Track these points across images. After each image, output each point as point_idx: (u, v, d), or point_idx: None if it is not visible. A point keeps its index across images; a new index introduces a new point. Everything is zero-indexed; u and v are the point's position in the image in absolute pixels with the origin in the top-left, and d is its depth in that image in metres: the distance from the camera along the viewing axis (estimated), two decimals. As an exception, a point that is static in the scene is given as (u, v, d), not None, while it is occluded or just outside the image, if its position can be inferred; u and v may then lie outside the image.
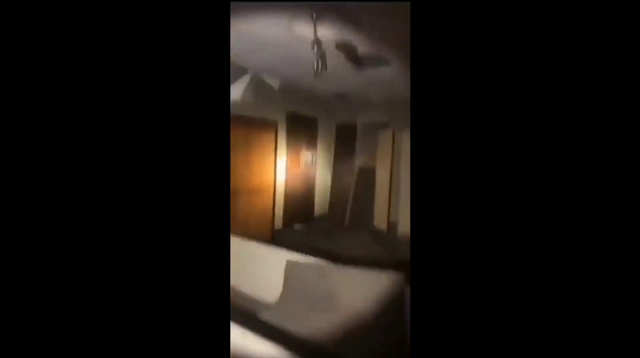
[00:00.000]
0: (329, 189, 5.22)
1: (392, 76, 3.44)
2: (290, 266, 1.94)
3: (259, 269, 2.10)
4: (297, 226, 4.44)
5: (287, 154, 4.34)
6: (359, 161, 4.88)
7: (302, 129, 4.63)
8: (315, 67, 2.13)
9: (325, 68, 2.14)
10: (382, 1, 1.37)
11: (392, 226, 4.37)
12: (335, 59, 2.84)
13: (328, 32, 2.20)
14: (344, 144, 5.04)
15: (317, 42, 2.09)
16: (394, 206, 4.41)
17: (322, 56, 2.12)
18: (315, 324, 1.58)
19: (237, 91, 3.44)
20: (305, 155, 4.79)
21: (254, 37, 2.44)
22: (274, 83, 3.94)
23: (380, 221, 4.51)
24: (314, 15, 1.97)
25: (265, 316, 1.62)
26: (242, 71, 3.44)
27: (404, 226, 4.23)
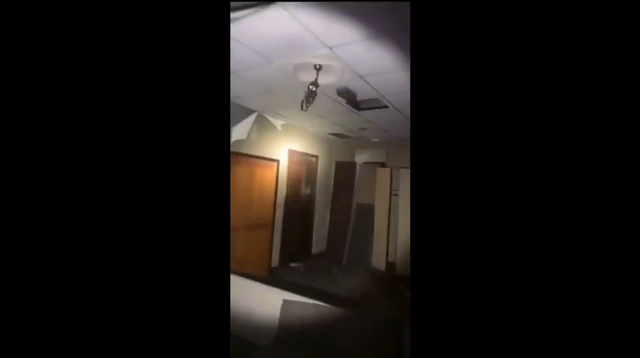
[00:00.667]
0: (327, 226, 5.21)
1: (388, 119, 3.63)
2: (286, 306, 1.90)
3: (254, 307, 2.05)
4: (294, 264, 4.36)
5: (287, 191, 4.41)
6: (357, 198, 4.94)
7: (302, 166, 4.76)
8: (303, 102, 2.39)
9: (311, 103, 2.43)
10: (382, 1, 1.42)
11: (390, 265, 4.31)
12: (336, 103, 3.04)
13: (330, 80, 2.39)
14: (343, 181, 5.13)
15: (315, 84, 2.28)
16: (392, 244, 4.38)
17: (310, 95, 2.36)
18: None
19: (242, 130, 3.60)
20: (305, 190, 4.86)
21: (260, 82, 2.64)
22: (278, 124, 4.14)
23: (378, 259, 4.45)
24: (318, 65, 2.16)
25: (259, 357, 1.56)
26: (248, 112, 3.64)
27: (402, 265, 4.16)
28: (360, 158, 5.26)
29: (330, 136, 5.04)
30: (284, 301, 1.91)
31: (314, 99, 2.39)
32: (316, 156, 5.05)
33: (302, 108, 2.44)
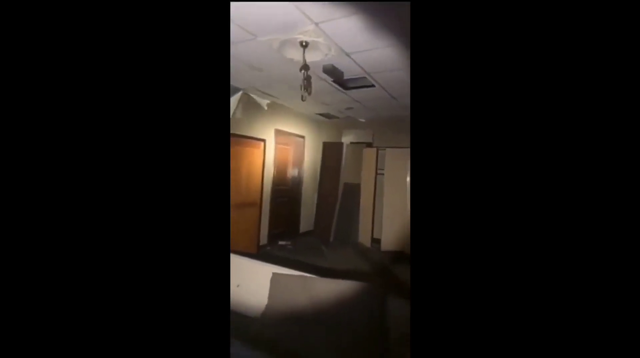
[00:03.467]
0: (314, 205, 5.31)
1: (375, 98, 3.65)
2: (275, 278, 1.99)
3: (244, 282, 2.13)
4: (282, 242, 4.47)
5: (274, 171, 4.43)
6: (344, 177, 5.02)
7: (289, 147, 4.76)
8: (302, 91, 2.29)
9: (310, 93, 2.31)
10: (382, 1, 1.42)
11: (375, 241, 4.48)
12: (323, 82, 3.02)
13: (316, 57, 2.37)
14: (330, 162, 5.18)
15: (305, 67, 2.25)
16: (377, 222, 4.53)
17: (307, 81, 2.28)
18: (298, 335, 1.62)
19: (227, 108, 3.54)
20: (292, 171, 4.89)
21: (245, 59, 2.59)
22: (263, 102, 4.09)
23: (364, 236, 4.61)
24: (304, 42, 2.14)
25: (251, 328, 1.65)
26: (234, 90, 3.57)
27: (387, 240, 4.34)
28: (348, 138, 5.29)
29: (318, 116, 5.02)
30: (273, 274, 2.00)
31: (311, 86, 2.34)
32: (303, 137, 5.05)
33: (302, 99, 2.38)
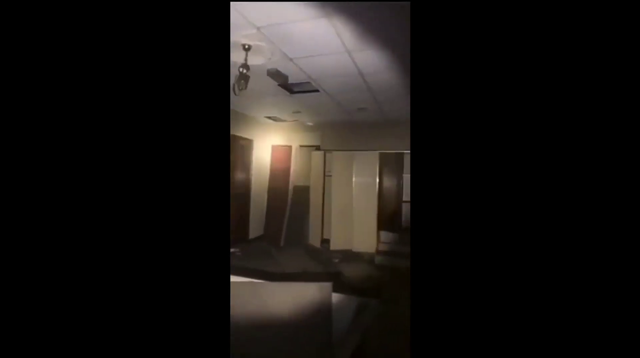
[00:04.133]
0: (264, 209, 5.24)
1: (321, 102, 3.77)
2: (222, 286, 1.93)
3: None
4: (231, 249, 4.32)
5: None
6: (293, 180, 5.06)
7: (237, 151, 4.63)
8: (235, 84, 2.32)
9: (242, 89, 2.35)
10: (382, 1, 1.42)
11: (325, 241, 4.59)
12: (268, 85, 3.02)
13: (259, 61, 2.37)
14: (279, 165, 5.17)
15: (245, 66, 2.24)
16: (326, 223, 4.65)
17: (242, 77, 2.30)
18: (249, 339, 1.60)
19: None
20: (240, 176, 4.77)
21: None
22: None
23: (315, 238, 4.69)
24: (247, 45, 2.13)
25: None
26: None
27: (336, 240, 4.48)
28: (296, 142, 5.35)
29: (266, 119, 4.98)
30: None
31: (247, 82, 2.33)
32: (251, 140, 4.96)
33: (234, 92, 2.36)
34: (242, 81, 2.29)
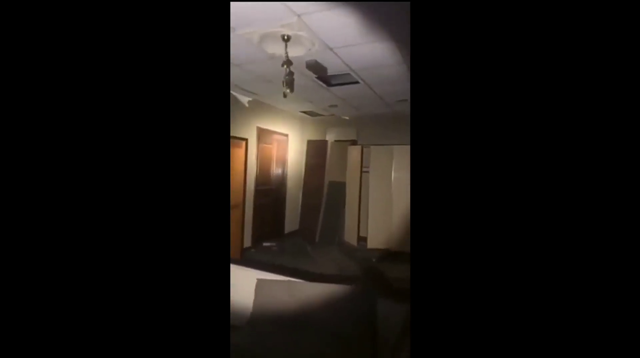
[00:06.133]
0: (299, 205, 5.22)
1: (359, 95, 3.60)
2: (260, 285, 1.89)
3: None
4: (266, 243, 4.35)
5: (256, 170, 4.30)
6: (329, 176, 4.96)
7: (273, 146, 4.64)
8: (284, 87, 2.18)
9: (292, 90, 2.19)
10: (382, 1, 1.39)
11: (361, 239, 4.45)
12: (306, 78, 2.93)
13: (299, 52, 2.28)
14: (315, 160, 5.11)
15: (288, 62, 2.15)
16: (363, 220, 4.50)
17: (290, 77, 2.17)
18: (286, 343, 1.54)
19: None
20: (276, 171, 4.78)
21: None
22: (244, 100, 3.95)
23: (350, 235, 4.57)
24: (286, 36, 2.04)
25: (235, 338, 1.55)
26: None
27: (373, 238, 4.32)
28: (332, 136, 5.23)
29: (301, 113, 4.92)
30: (258, 280, 1.90)
31: (293, 83, 2.19)
32: (286, 135, 4.94)
33: (284, 96, 2.24)
34: (291, 82, 2.17)
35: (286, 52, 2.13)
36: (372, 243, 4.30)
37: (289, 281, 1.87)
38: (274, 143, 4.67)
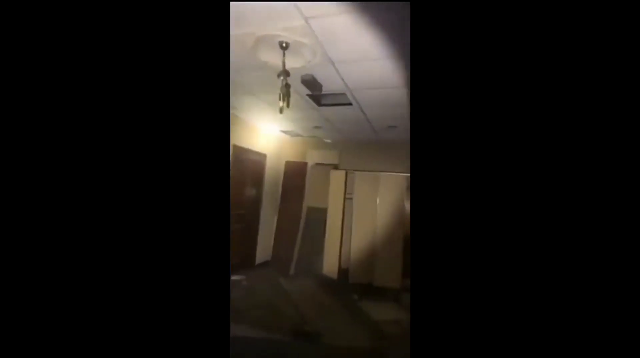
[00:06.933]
0: (273, 231, 4.76)
1: (347, 118, 3.40)
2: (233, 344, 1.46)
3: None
4: (235, 277, 3.81)
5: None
6: (308, 201, 4.61)
7: (249, 166, 4.22)
8: (281, 101, 1.85)
9: (288, 105, 1.86)
10: (382, 1, 1.32)
11: (342, 271, 4.07)
12: (295, 95, 2.65)
13: (296, 63, 2.00)
14: (293, 183, 4.75)
15: (285, 73, 1.85)
16: (345, 250, 4.16)
17: (287, 91, 1.85)
18: None
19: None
20: (250, 193, 4.33)
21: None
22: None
23: (330, 267, 4.18)
24: (284, 43, 1.76)
25: None
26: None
27: (356, 271, 3.98)
28: (312, 159, 4.95)
29: (281, 133, 4.61)
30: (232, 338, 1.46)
31: (289, 95, 1.86)
32: (264, 155, 4.56)
33: (280, 111, 1.89)
34: (287, 96, 1.84)
35: (283, 62, 1.84)
36: (354, 277, 3.95)
37: (265, 339, 1.46)
38: (249, 162, 4.27)
